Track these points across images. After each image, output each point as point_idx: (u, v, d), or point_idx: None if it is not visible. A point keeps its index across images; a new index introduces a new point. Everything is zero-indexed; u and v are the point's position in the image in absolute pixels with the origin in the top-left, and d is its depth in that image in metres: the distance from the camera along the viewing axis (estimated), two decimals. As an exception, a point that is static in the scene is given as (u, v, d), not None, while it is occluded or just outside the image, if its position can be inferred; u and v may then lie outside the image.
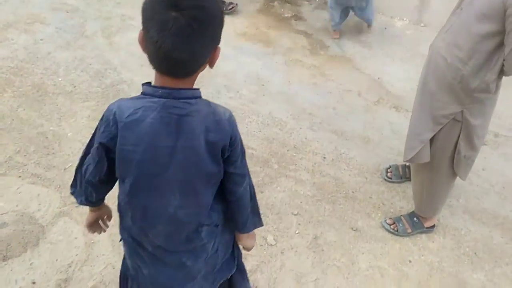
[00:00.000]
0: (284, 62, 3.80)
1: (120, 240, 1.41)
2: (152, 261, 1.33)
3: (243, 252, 1.64)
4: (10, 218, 2.28)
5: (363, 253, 2.44)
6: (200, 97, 1.17)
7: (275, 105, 3.35)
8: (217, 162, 1.22)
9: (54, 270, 2.12)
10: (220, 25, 1.10)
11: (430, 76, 2.07)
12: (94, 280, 2.12)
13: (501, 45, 1.77)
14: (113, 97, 3.20)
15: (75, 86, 3.23)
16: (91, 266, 2.17)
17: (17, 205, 2.35)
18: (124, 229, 1.35)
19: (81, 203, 1.39)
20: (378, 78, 3.74)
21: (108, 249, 2.25)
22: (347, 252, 2.43)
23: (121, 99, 1.18)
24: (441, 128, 2.06)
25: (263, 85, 3.53)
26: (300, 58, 3.89)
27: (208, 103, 1.19)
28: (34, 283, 2.05)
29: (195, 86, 1.17)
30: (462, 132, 2.04)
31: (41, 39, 3.63)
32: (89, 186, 1.29)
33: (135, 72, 3.43)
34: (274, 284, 2.25)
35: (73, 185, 1.38)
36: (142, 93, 1.15)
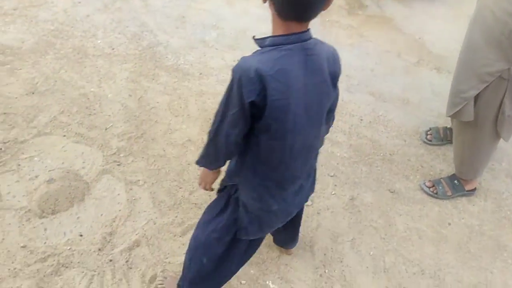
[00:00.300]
0: (320, 23, 3.71)
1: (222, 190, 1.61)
2: (282, 194, 1.48)
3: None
4: (57, 175, 2.38)
5: (400, 215, 2.43)
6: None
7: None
8: (335, 91, 1.39)
9: (99, 224, 2.22)
10: None
11: (477, 31, 1.98)
12: (137, 234, 2.20)
13: None
14: (149, 58, 3.22)
15: (113, 48, 3.27)
16: (133, 221, 2.26)
17: (63, 163, 2.45)
18: (256, 175, 1.43)
19: (215, 168, 1.52)
20: (419, 38, 3.61)
21: (149, 206, 2.33)
22: (384, 213, 2.43)
23: (244, 57, 1.24)
24: (486, 87, 1.99)
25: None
26: (337, 19, 3.79)
27: (319, 40, 1.30)
28: (81, 235, 2.16)
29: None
30: (507, 91, 1.96)
31: (79, 2, 3.66)
32: (233, 149, 1.36)
33: (171, 34, 3.43)
34: (311, 243, 2.28)
35: (204, 157, 1.47)
36: (268, 45, 1.24)
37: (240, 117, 1.24)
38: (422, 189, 2.52)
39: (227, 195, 1.60)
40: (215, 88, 3.08)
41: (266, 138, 1.30)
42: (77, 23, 3.45)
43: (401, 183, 2.58)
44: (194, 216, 2.32)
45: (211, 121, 1.36)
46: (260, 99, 1.19)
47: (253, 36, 1.32)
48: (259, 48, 1.28)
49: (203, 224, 1.66)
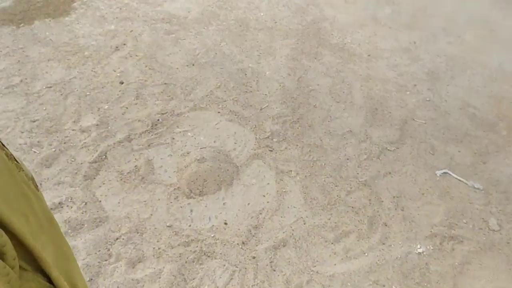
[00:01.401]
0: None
1: None
2: None
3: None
4: (208, 154, 2.25)
5: None
6: None
7: (507, 56, 2.67)
8: None
9: (246, 214, 2.03)
10: None
11: None
12: (284, 232, 1.97)
13: None
14: (313, 35, 2.93)
15: (275, 22, 3.05)
16: (281, 217, 2.03)
17: (214, 141, 2.32)
18: None
19: None
20: None
21: (300, 202, 2.07)
22: None
23: None
24: None
25: (492, 30, 2.84)
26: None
27: None
28: (226, 223, 2.00)
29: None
30: None
31: (246, -28, 3.52)
32: None
33: (339, 9, 3.08)
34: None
35: None
36: None
37: None
38: None
39: None
40: (384, 73, 2.67)
41: None
42: (242, -6, 3.31)
43: None
44: (350, 222, 2.00)
45: None
46: None
47: None
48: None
49: None
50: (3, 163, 0.56)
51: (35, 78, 2.48)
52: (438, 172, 2.19)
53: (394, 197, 2.11)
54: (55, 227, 0.68)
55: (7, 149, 0.59)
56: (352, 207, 2.05)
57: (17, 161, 0.60)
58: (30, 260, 0.69)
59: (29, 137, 2.17)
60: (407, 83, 2.66)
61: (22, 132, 2.18)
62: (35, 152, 2.11)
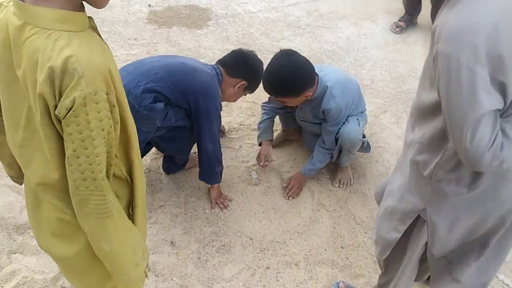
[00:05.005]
0: None
1: None
2: None
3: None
4: (263, 168, 2.51)
5: None
6: None
7: None
8: None
9: (275, 227, 2.23)
10: None
11: None
12: (300, 254, 2.11)
13: None
14: (402, 102, 3.08)
15: (372, 82, 3.26)
16: (304, 240, 2.18)
17: (274, 159, 2.57)
18: None
19: None
20: None
21: (326, 234, 2.20)
22: None
23: None
24: None
25: None
26: None
27: None
28: (253, 227, 2.21)
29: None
30: None
31: (364, 34, 3.80)
32: None
33: None
34: None
35: None
36: None
37: None
38: None
39: None
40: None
41: None
42: (353, 51, 3.58)
43: None
44: (365, 267, 2.08)
45: None
46: None
47: None
48: None
49: None
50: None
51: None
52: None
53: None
54: None
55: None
56: (373, 255, 2.12)
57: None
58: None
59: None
60: None
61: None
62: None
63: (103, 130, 0.94)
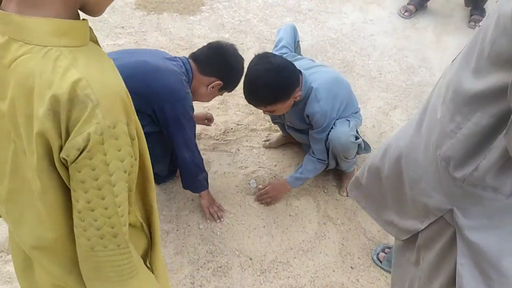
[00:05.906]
0: None
1: None
2: None
3: None
4: (265, 174, 2.28)
5: None
6: None
7: None
8: None
9: (277, 245, 2.01)
10: None
11: None
12: (305, 277, 1.90)
13: None
14: (413, 96, 2.83)
15: (380, 74, 3.01)
16: (310, 259, 1.96)
17: (275, 165, 2.34)
18: None
19: None
20: None
21: (334, 252, 1.99)
22: None
23: None
24: None
25: None
26: None
27: None
28: (253, 244, 1.99)
29: None
30: None
31: (371, 20, 3.52)
32: None
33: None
34: None
35: None
36: None
37: None
38: None
39: None
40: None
41: None
42: (358, 39, 3.31)
43: None
44: (377, 292, 1.87)
45: None
46: None
47: None
48: None
49: None
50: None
51: (143, 60, 2.72)
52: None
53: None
54: None
55: None
56: (386, 276, 1.92)
57: None
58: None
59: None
60: None
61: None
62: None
63: (125, 172, 0.71)
